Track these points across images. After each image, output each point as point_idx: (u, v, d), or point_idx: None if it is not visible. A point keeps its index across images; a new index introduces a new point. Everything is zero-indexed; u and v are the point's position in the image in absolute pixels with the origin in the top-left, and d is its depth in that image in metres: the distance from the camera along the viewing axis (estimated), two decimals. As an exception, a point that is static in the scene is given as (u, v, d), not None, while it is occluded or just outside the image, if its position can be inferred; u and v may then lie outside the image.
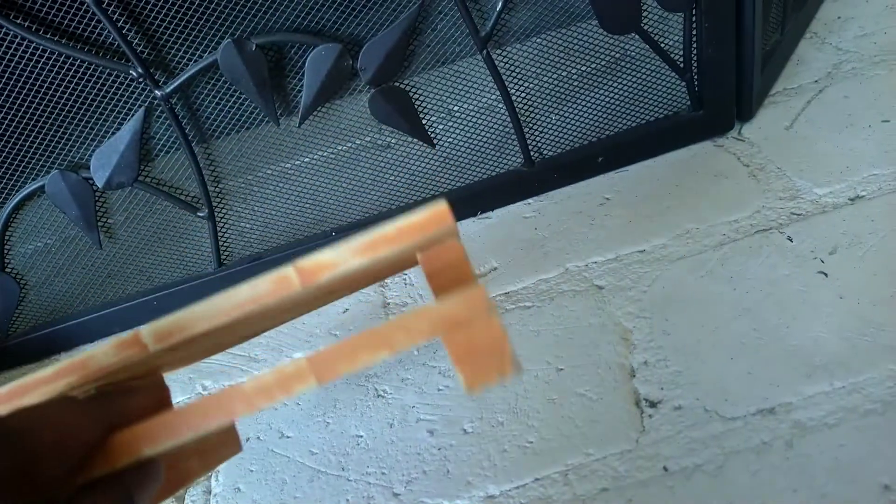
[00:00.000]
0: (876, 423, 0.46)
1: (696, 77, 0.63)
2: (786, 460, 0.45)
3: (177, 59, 0.56)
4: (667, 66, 0.62)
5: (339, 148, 0.65)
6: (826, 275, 0.53)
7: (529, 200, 0.66)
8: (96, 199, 0.61)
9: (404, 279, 0.64)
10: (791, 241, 0.56)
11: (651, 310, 0.55)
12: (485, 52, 0.59)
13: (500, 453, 0.49)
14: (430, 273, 0.32)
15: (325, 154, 0.65)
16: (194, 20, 0.55)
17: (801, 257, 0.55)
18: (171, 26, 0.55)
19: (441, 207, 0.31)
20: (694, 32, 0.61)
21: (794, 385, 0.48)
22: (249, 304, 0.31)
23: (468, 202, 0.66)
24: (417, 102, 0.62)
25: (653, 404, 0.49)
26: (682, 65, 0.62)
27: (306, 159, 0.65)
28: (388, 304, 0.62)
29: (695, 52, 0.61)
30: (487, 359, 0.27)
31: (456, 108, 0.64)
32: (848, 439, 0.45)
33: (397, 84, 0.60)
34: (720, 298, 0.54)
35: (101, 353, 0.30)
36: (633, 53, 0.63)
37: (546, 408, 0.51)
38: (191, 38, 0.55)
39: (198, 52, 0.56)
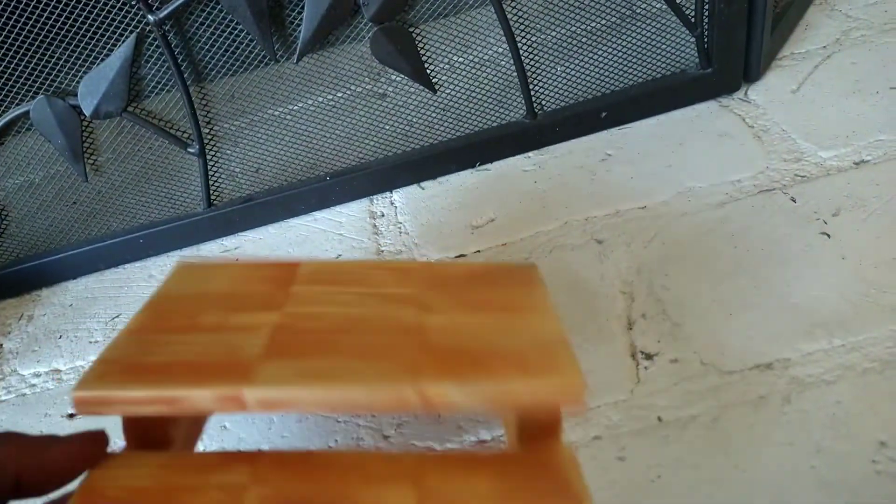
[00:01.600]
0: (874, 381, 0.45)
1: (706, 33, 0.62)
2: (783, 415, 0.45)
3: (173, -17, 0.54)
4: (677, 21, 0.61)
5: (336, 95, 0.63)
6: (829, 236, 0.53)
7: (530, 154, 0.65)
8: (83, 128, 0.59)
9: (399, 228, 0.62)
10: (794, 201, 0.56)
11: (651, 265, 0.54)
12: (493, -6, 0.57)
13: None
14: (524, 422, 0.34)
15: (321, 100, 0.63)
16: (193, -57, 0.52)
17: (804, 218, 0.54)
18: (169, -52, 0.53)
19: (579, 392, 0.32)
20: (707, -14, 0.59)
21: (792, 342, 0.48)
22: (361, 408, 0.31)
23: (467, 153, 0.65)
24: (421, 48, 0.60)
25: (649, 356, 0.49)
26: (693, 20, 0.61)
27: (301, 105, 0.63)
28: (382, 251, 0.60)
29: (707, 7, 0.60)
30: None
31: (459, 59, 0.62)
32: (845, 396, 0.45)
33: (401, 24, 0.58)
34: (720, 256, 0.53)
35: (198, 398, 0.30)
36: (643, 9, 0.61)
37: (541, 356, 0.50)
38: (189, -39, 0.53)
39: (195, -23, 0.54)
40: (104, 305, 0.62)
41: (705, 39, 0.62)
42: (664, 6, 0.60)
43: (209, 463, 0.30)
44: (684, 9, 0.61)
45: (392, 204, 0.65)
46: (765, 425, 0.44)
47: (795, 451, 0.43)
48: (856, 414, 0.44)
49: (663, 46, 0.63)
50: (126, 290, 0.63)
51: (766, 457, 0.43)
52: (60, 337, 0.60)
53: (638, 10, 0.62)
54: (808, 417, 0.44)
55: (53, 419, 0.54)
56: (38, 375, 0.58)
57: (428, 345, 0.34)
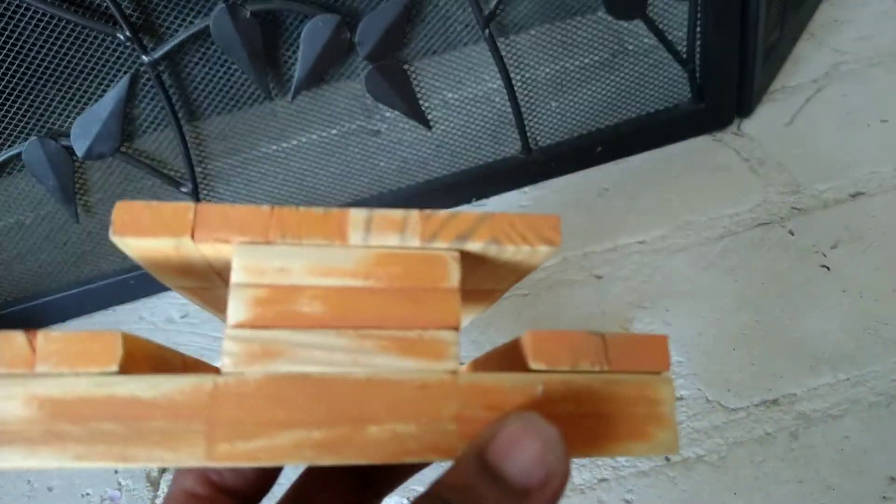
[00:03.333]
0: (881, 415, 0.45)
1: (698, 68, 0.62)
2: (790, 451, 0.44)
3: (167, 23, 0.54)
4: (670, 57, 0.61)
5: (330, 132, 0.63)
6: (828, 269, 0.53)
7: (526, 189, 0.65)
8: (75, 169, 0.59)
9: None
10: (792, 234, 0.55)
11: (651, 300, 0.53)
12: (487, 31, 0.57)
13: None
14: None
15: (315, 138, 0.62)
16: (188, -16, 0.53)
17: (803, 251, 0.54)
18: (163, -11, 0.53)
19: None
20: (698, 23, 0.60)
21: (797, 377, 0.47)
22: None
23: (462, 189, 0.65)
24: (415, 85, 0.60)
25: (653, 394, 0.48)
26: (685, 55, 0.61)
27: (295, 142, 0.62)
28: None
29: (698, 42, 0.61)
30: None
31: (453, 95, 0.62)
32: (853, 431, 0.44)
33: (396, 61, 0.59)
34: (721, 290, 0.53)
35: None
36: (636, 44, 0.62)
37: (543, 395, 0.49)
38: (182, 1, 0.53)
39: (189, 17, 0.54)
40: (94, 348, 0.61)
41: (698, 74, 0.63)
42: (656, 42, 0.61)
43: None
44: (676, 44, 0.61)
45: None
46: (773, 463, 0.43)
47: (805, 488, 0.42)
48: (864, 449, 0.43)
49: (656, 82, 0.63)
50: (117, 333, 0.62)
51: (776, 496, 0.42)
52: (49, 382, 0.59)
53: (629, 47, 0.62)
54: (816, 454, 0.44)
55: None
56: (25, 422, 0.56)
57: None
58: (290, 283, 0.23)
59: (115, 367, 0.21)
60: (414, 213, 0.23)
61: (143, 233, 0.22)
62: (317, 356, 0.22)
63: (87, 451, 0.21)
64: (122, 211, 0.22)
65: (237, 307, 0.23)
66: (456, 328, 0.22)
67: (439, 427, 0.22)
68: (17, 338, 0.21)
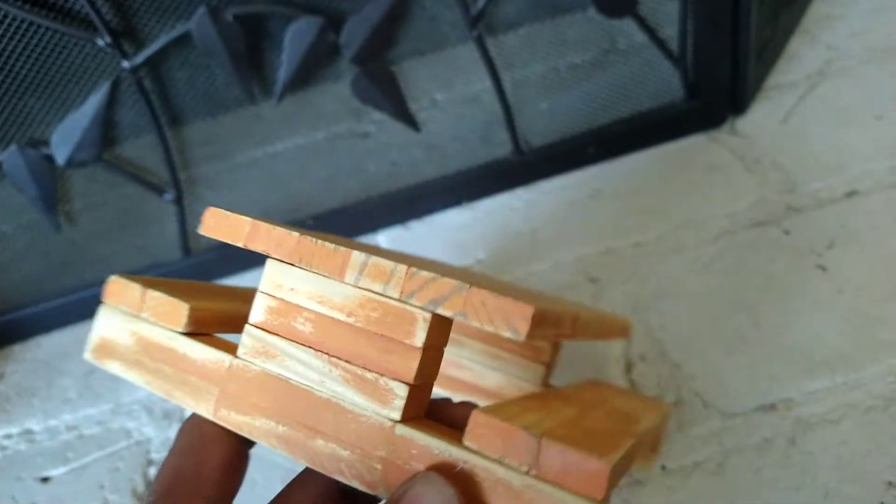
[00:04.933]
0: (878, 419, 0.44)
1: (690, 66, 0.61)
2: (788, 458, 0.43)
3: (147, 28, 0.53)
4: (661, 55, 0.60)
5: (317, 135, 0.61)
6: (824, 269, 0.52)
7: (518, 191, 0.64)
8: (56, 177, 0.57)
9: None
10: (788, 234, 0.55)
11: (647, 303, 0.53)
12: (475, 32, 0.56)
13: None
14: None
15: (301, 142, 0.61)
16: (168, -13, 0.51)
17: (799, 251, 0.53)
18: (143, -7, 0.51)
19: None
20: (690, 19, 0.59)
21: (794, 380, 0.46)
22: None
23: (453, 191, 0.64)
24: (403, 87, 0.59)
25: (649, 400, 0.47)
26: (676, 53, 0.61)
27: (281, 146, 0.61)
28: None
29: (690, 40, 0.60)
30: None
31: (442, 96, 0.61)
32: (850, 436, 0.44)
33: (382, 63, 0.57)
34: (717, 292, 0.52)
35: None
36: (627, 42, 0.61)
37: (537, 403, 0.48)
38: (163, 5, 0.52)
39: (170, 22, 0.53)
40: (79, 361, 0.59)
41: (690, 72, 0.62)
42: (647, 40, 0.60)
43: (542, 405, 0.29)
44: (667, 42, 0.60)
45: (377, 245, 0.63)
46: (771, 469, 0.43)
47: (803, 495, 0.41)
48: (862, 454, 0.43)
49: (648, 80, 0.62)
50: (102, 343, 0.61)
51: (774, 503, 0.41)
52: (33, 395, 0.58)
53: (620, 45, 0.61)
54: (813, 459, 0.43)
55: (26, 483, 0.51)
56: (9, 437, 0.55)
57: None
58: (294, 302, 0.27)
59: (181, 329, 0.28)
60: (401, 269, 0.25)
61: (218, 235, 0.28)
62: (297, 368, 0.26)
63: (152, 381, 0.29)
64: (209, 215, 0.28)
65: (257, 310, 0.28)
66: (408, 383, 0.25)
67: (368, 462, 0.25)
68: (136, 289, 0.30)
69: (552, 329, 0.26)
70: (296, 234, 0.26)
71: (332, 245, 0.26)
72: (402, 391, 0.25)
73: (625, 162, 0.64)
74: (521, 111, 0.62)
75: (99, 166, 0.57)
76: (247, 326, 0.27)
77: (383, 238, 0.64)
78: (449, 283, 0.24)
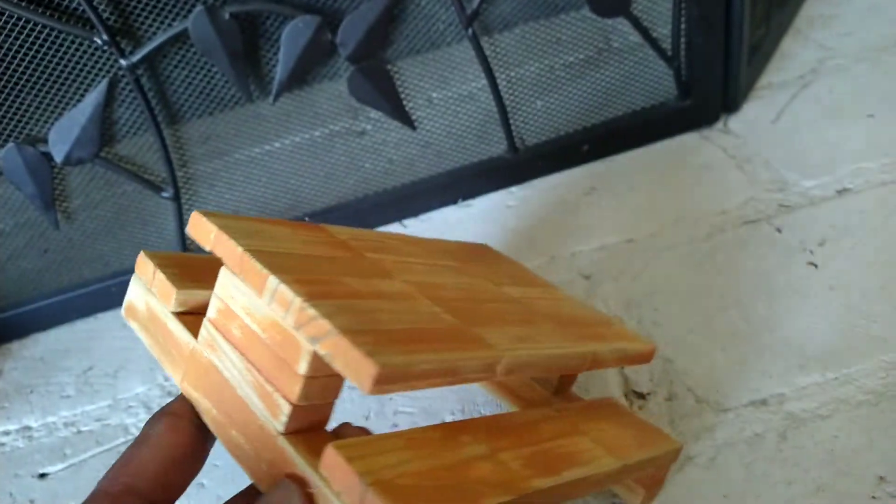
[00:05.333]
0: (869, 414, 0.44)
1: (683, 66, 0.62)
2: (779, 452, 0.44)
3: (145, 26, 0.53)
4: (655, 54, 0.61)
5: (314, 133, 0.62)
6: (816, 266, 0.52)
7: (513, 189, 0.64)
8: (54, 175, 0.58)
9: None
10: (780, 232, 0.55)
11: (640, 300, 0.53)
12: (470, 30, 0.57)
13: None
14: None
15: (299, 140, 0.62)
16: (165, -14, 0.52)
17: (791, 249, 0.54)
18: (140, -8, 0.52)
19: (653, 351, 0.43)
20: (683, 20, 0.60)
21: (786, 376, 0.47)
22: (564, 369, 0.36)
23: (449, 189, 0.64)
24: (399, 85, 0.60)
25: (642, 395, 0.48)
26: (670, 52, 0.61)
27: (278, 144, 0.62)
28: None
29: (683, 39, 0.60)
30: None
31: (438, 95, 0.62)
32: (842, 431, 0.44)
33: (378, 62, 0.58)
34: (710, 289, 0.53)
35: (468, 367, 0.29)
36: (621, 42, 0.61)
37: (531, 398, 0.49)
38: (161, 4, 0.52)
39: (167, 20, 0.53)
40: (77, 358, 0.60)
41: (683, 72, 0.62)
42: (641, 40, 0.61)
43: (438, 439, 0.29)
44: (661, 42, 0.61)
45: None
46: (762, 464, 0.43)
47: (794, 490, 0.42)
48: (853, 449, 0.43)
49: (642, 79, 0.63)
50: (99, 342, 0.61)
51: (766, 497, 0.42)
52: (31, 392, 0.58)
53: (614, 44, 0.62)
54: (805, 454, 0.43)
55: (24, 480, 0.52)
56: (7, 434, 0.55)
57: (546, 314, 0.39)
58: (232, 309, 0.30)
59: (172, 308, 0.32)
60: (297, 301, 0.27)
61: (197, 238, 0.31)
62: (229, 366, 0.30)
63: (153, 346, 0.33)
64: (193, 218, 0.31)
65: (211, 308, 0.31)
66: (292, 403, 0.27)
67: (258, 461, 0.28)
68: (150, 267, 0.33)
69: (423, 381, 0.27)
70: (240, 248, 0.29)
71: (259, 265, 0.28)
72: (286, 409, 0.27)
73: (618, 160, 0.64)
74: (516, 110, 0.62)
75: (97, 164, 0.58)
76: (205, 320, 0.31)
77: (379, 236, 0.64)
78: (325, 324, 0.26)
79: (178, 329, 0.32)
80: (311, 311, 0.26)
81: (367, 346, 0.25)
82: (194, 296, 0.33)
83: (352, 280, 0.31)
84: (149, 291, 0.33)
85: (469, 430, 0.31)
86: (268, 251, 0.30)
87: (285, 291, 0.27)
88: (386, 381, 0.25)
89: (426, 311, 0.31)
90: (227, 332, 0.30)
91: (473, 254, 0.47)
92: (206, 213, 0.31)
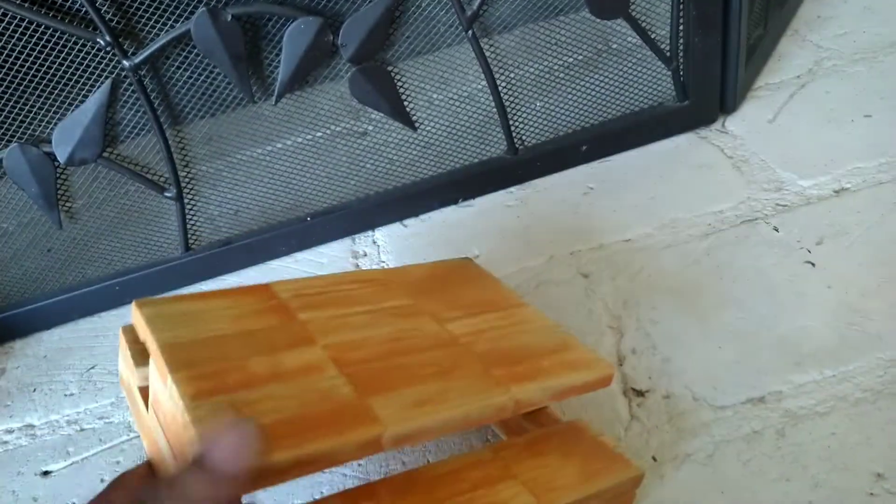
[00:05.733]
0: (867, 411, 0.45)
1: (681, 66, 0.62)
2: (777, 449, 0.44)
3: (147, 27, 0.54)
4: (653, 56, 0.62)
5: (315, 134, 0.62)
6: (813, 265, 0.53)
7: (512, 189, 0.65)
8: (57, 175, 0.58)
9: (382, 267, 0.61)
10: (777, 231, 0.56)
11: (638, 298, 0.53)
12: (470, 32, 0.57)
13: (485, 444, 0.47)
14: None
15: (300, 140, 0.62)
16: (168, -12, 0.52)
17: (788, 247, 0.54)
18: (143, -7, 0.52)
19: (610, 377, 0.41)
20: (681, 21, 0.60)
21: (783, 374, 0.47)
22: (472, 424, 0.36)
23: (449, 189, 0.65)
24: (399, 86, 0.60)
25: (641, 393, 0.48)
26: (668, 53, 0.62)
27: (280, 145, 0.62)
28: (365, 291, 0.59)
29: (681, 40, 0.61)
30: None
31: (438, 96, 0.62)
32: (839, 428, 0.44)
33: (379, 63, 0.58)
34: (707, 287, 0.53)
35: (343, 450, 0.31)
36: (620, 43, 0.62)
37: (531, 396, 0.49)
38: (163, 5, 0.53)
39: (170, 22, 0.54)
40: (80, 356, 0.60)
41: (681, 73, 0.63)
42: (639, 41, 0.61)
43: None
44: (659, 43, 0.61)
45: (374, 243, 0.64)
46: (760, 461, 0.44)
47: (792, 486, 0.42)
48: (850, 445, 0.43)
49: (640, 80, 0.63)
50: (102, 340, 0.61)
51: (764, 494, 0.42)
52: (34, 390, 0.58)
53: (613, 46, 0.62)
54: (803, 451, 0.44)
55: (27, 477, 0.52)
56: (10, 432, 0.55)
57: (477, 354, 0.39)
58: (156, 392, 0.34)
59: (137, 384, 0.35)
60: (181, 403, 0.30)
61: (137, 329, 0.37)
62: (160, 439, 0.33)
63: (131, 411, 0.38)
64: (133, 310, 0.36)
65: (150, 377, 0.35)
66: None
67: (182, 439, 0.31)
68: (124, 342, 0.37)
69: (286, 475, 0.30)
70: (156, 344, 0.33)
71: (164, 362, 0.32)
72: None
73: (617, 160, 0.65)
74: (516, 111, 0.63)
75: (100, 164, 0.58)
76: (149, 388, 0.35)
77: (381, 235, 0.64)
78: (196, 430, 0.29)
79: (139, 400, 0.36)
80: (188, 417, 0.29)
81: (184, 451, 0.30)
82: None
83: (256, 361, 0.34)
84: (125, 365, 0.37)
85: (372, 493, 0.33)
86: (182, 342, 0.34)
87: (174, 391, 0.31)
88: (246, 486, 0.28)
89: (323, 387, 0.33)
90: (157, 411, 0.33)
91: (443, 279, 0.47)
92: (143, 304, 0.35)
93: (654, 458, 0.45)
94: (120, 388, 0.57)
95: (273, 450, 0.28)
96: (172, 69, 0.56)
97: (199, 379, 0.32)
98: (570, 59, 0.62)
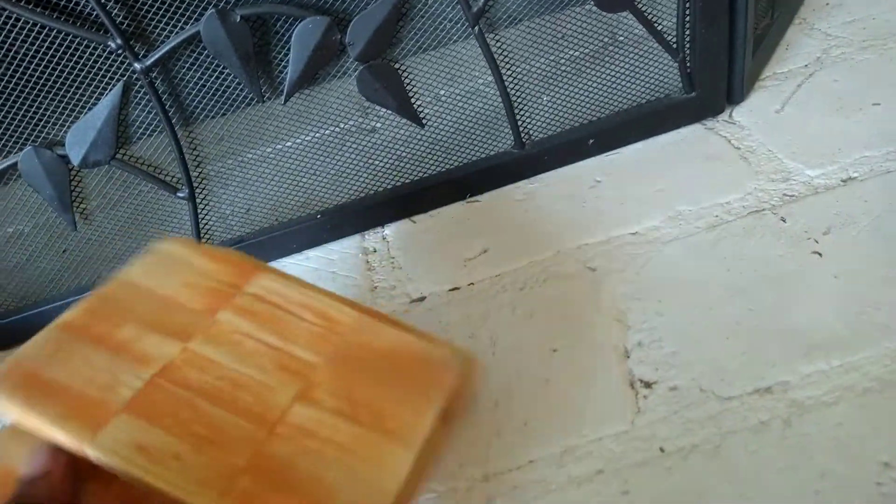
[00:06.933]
0: (874, 401, 0.45)
1: (688, 58, 0.62)
2: (784, 439, 0.44)
3: (158, 30, 0.54)
4: (659, 48, 0.62)
5: (324, 132, 0.63)
6: (821, 255, 0.53)
7: (520, 183, 0.65)
8: (72, 177, 0.59)
9: (392, 263, 0.62)
10: (784, 221, 0.56)
11: (645, 291, 0.54)
12: (477, 28, 0.57)
13: (495, 435, 0.48)
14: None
15: (310, 138, 0.63)
16: (176, -9, 0.53)
17: (795, 238, 0.54)
18: (152, -3, 0.53)
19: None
20: (687, 12, 0.60)
21: (790, 364, 0.48)
22: None
23: (457, 185, 0.65)
24: (407, 83, 0.61)
25: (648, 385, 0.48)
26: (674, 45, 0.62)
27: (290, 143, 0.63)
28: (376, 287, 0.60)
29: (688, 32, 0.61)
30: None
31: (445, 92, 0.63)
32: (846, 418, 0.45)
33: (387, 61, 0.59)
34: (714, 279, 0.53)
35: (56, 437, 0.32)
36: (626, 35, 0.62)
37: (541, 389, 0.50)
38: (173, 7, 0.54)
39: (180, 24, 0.54)
40: (97, 354, 0.61)
41: (688, 64, 0.63)
42: (645, 33, 0.61)
43: None
44: (665, 34, 0.61)
45: (384, 239, 0.65)
46: (767, 451, 0.44)
47: (799, 476, 0.43)
48: (858, 436, 0.44)
49: (647, 72, 0.63)
50: (119, 337, 0.62)
51: (771, 483, 0.42)
52: (54, 388, 0.59)
53: (619, 38, 0.62)
54: (810, 441, 0.44)
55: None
56: (32, 428, 0.57)
57: (264, 452, 0.33)
58: None
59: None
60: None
61: None
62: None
63: None
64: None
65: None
66: None
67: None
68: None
69: None
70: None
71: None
72: None
73: (623, 153, 0.65)
74: (523, 105, 0.63)
75: (113, 166, 0.59)
76: None
77: (390, 231, 0.65)
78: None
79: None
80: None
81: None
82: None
83: (129, 328, 0.37)
84: None
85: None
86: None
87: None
88: None
89: (121, 379, 0.34)
90: None
91: (392, 367, 0.38)
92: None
93: (662, 450, 0.45)
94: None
95: (21, 398, 0.32)
96: (183, 70, 0.57)
97: (85, 315, 0.36)
98: (577, 53, 0.63)
